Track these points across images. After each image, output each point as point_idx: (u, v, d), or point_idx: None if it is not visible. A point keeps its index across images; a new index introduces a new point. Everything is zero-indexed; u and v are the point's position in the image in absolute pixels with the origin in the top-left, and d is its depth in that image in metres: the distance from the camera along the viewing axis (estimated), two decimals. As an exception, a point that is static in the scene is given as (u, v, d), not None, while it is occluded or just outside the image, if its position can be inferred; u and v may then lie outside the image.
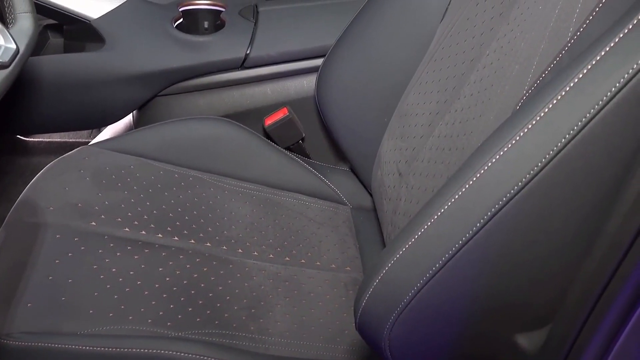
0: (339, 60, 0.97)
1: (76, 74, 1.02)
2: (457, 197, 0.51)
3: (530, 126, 0.50)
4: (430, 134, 0.77)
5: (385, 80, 0.93)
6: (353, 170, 1.03)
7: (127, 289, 0.75)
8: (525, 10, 0.66)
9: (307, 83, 1.06)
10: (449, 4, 0.85)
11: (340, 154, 1.06)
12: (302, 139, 1.05)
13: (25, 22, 0.71)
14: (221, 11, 1.12)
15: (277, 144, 1.02)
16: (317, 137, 1.07)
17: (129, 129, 1.16)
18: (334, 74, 0.98)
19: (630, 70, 0.46)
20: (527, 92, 0.59)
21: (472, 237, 0.50)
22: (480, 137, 0.64)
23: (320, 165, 1.05)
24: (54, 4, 1.00)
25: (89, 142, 1.25)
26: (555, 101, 0.49)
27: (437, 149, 0.74)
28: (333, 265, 0.88)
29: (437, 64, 0.82)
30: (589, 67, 0.48)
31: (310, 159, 1.06)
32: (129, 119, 1.16)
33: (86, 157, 0.91)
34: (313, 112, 1.06)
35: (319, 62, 1.02)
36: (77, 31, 1.04)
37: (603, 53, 0.48)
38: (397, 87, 0.90)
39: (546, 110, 0.49)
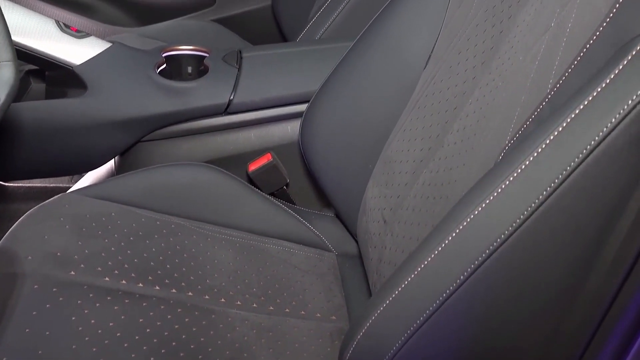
0: (323, 106, 0.99)
1: (58, 120, 1.03)
2: (440, 249, 0.52)
3: (512, 178, 0.51)
4: (415, 182, 0.78)
5: (369, 126, 0.94)
6: (338, 216, 1.04)
7: (106, 341, 0.75)
8: (506, 61, 0.68)
9: (291, 128, 1.07)
10: (431, 52, 0.87)
11: (325, 199, 1.07)
12: (287, 185, 1.06)
13: (5, 72, 0.72)
14: (204, 57, 1.13)
15: (261, 190, 1.03)
16: (301, 182, 1.08)
17: (111, 175, 1.16)
18: (318, 119, 0.99)
19: (609, 124, 0.47)
20: (509, 142, 0.61)
21: (456, 290, 0.51)
22: (465, 186, 0.65)
23: (305, 211, 1.05)
24: (36, 50, 1.02)
25: (70, 187, 1.25)
26: (536, 154, 0.50)
27: (422, 197, 0.75)
28: (318, 315, 0.88)
29: (420, 111, 0.83)
30: (569, 120, 0.49)
31: (294, 204, 1.07)
32: (110, 164, 1.16)
33: (66, 204, 0.91)
34: (297, 158, 1.07)
35: (303, 107, 1.03)
36: (59, 77, 1.05)
37: (582, 107, 0.49)
38: (381, 133, 0.91)
39: (527, 162, 0.50)
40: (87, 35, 1.08)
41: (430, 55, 0.87)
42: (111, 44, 1.09)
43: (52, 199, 0.93)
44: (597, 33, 0.53)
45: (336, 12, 1.21)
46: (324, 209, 1.08)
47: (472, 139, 0.68)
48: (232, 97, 1.05)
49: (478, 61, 0.74)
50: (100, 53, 1.06)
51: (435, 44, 0.86)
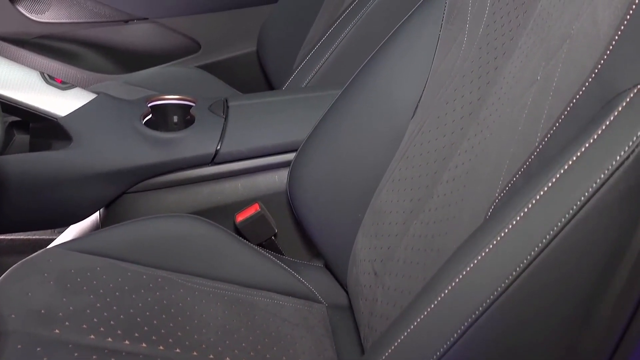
0: (311, 155, 1.00)
1: (42, 173, 1.03)
2: (432, 307, 0.52)
3: (502, 234, 0.51)
4: (405, 233, 0.78)
5: (358, 175, 0.95)
6: (327, 266, 1.04)
7: (92, 403, 0.74)
8: (494, 112, 0.69)
9: (279, 178, 1.07)
10: (419, 101, 0.88)
11: (314, 249, 1.07)
12: (275, 235, 1.06)
13: (-10, 127, 0.72)
14: (191, 106, 1.14)
15: (249, 241, 1.03)
16: (289, 233, 1.08)
17: (95, 227, 1.16)
18: (306, 169, 1.00)
19: (598, 180, 0.48)
20: (498, 195, 0.62)
21: (449, 349, 0.51)
22: (456, 239, 0.65)
23: (294, 261, 1.05)
24: (20, 102, 1.02)
25: (53, 238, 1.24)
26: (526, 209, 0.51)
27: (413, 249, 0.75)
28: (309, 369, 0.87)
29: (409, 161, 0.84)
30: (557, 176, 0.50)
31: (283, 255, 1.07)
32: (95, 216, 1.16)
33: (51, 259, 0.91)
34: (285, 208, 1.07)
35: (290, 156, 1.04)
36: (43, 129, 1.05)
37: (570, 162, 0.50)
38: (370, 183, 0.92)
39: (517, 219, 0.51)
40: (72, 86, 1.09)
41: (417, 105, 0.88)
42: (96, 95, 1.10)
43: (35, 254, 0.92)
44: (583, 88, 0.54)
45: (322, 60, 1.22)
46: (313, 259, 1.08)
47: (462, 191, 0.69)
48: (219, 147, 1.06)
49: (466, 112, 0.76)
50: (86, 104, 1.07)
51: (422, 94, 0.87)
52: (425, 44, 0.89)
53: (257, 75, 1.70)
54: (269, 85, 1.59)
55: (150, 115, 1.12)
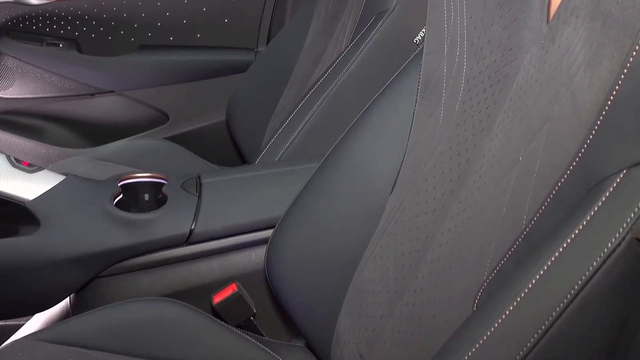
0: (289, 232, 0.99)
1: (9, 260, 1.00)
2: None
3: (496, 325, 0.51)
4: (391, 315, 0.77)
5: (338, 252, 0.94)
6: (309, 347, 1.02)
7: None
8: (475, 191, 0.70)
9: (256, 256, 1.06)
10: (397, 177, 0.88)
11: (294, 329, 1.05)
12: (254, 316, 1.04)
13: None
14: (163, 184, 1.13)
15: (226, 323, 1.01)
16: (269, 312, 1.06)
17: (66, 314, 1.12)
18: (284, 246, 0.99)
19: (590, 268, 0.48)
20: (487, 278, 0.61)
21: None
22: (445, 323, 0.65)
23: (274, 342, 1.03)
24: (-14, 187, 1.00)
25: (22, 324, 1.20)
26: (519, 298, 0.50)
27: (400, 332, 0.74)
28: None
29: (390, 238, 0.84)
30: (549, 263, 0.50)
31: (263, 336, 1.04)
32: (65, 302, 1.13)
33: (19, 352, 0.87)
34: (263, 287, 1.05)
35: (267, 234, 1.03)
36: (10, 214, 1.03)
37: (561, 249, 0.50)
38: (351, 260, 0.91)
39: (510, 308, 0.50)
40: (40, 168, 1.07)
41: (396, 180, 0.88)
42: (64, 177, 1.08)
43: (2, 346, 0.89)
44: (568, 172, 0.54)
45: (295, 132, 1.23)
46: (294, 339, 1.06)
47: (447, 272, 0.69)
48: (193, 227, 1.04)
49: (446, 189, 0.76)
50: (53, 187, 1.05)
51: (400, 169, 0.87)
52: (400, 118, 0.89)
53: (227, 146, 1.70)
54: (240, 155, 1.59)
55: (120, 196, 1.10)
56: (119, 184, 1.12)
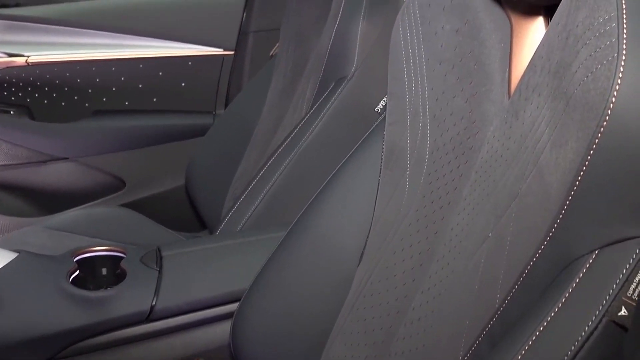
0: (255, 306, 0.97)
1: (-42, 346, 0.96)
2: None
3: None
4: (363, 394, 0.76)
5: (306, 326, 0.92)
6: None
7: None
8: (445, 266, 0.69)
9: (221, 331, 1.04)
10: (364, 248, 0.88)
11: (262, 406, 1.02)
12: (219, 393, 1.02)
13: None
14: (121, 258, 1.11)
15: (191, 403, 0.98)
16: (235, 390, 1.04)
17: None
18: (250, 320, 0.97)
19: (569, 353, 0.48)
20: (462, 359, 0.61)
21: None
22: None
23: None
24: None
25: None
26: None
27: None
28: None
29: (359, 313, 0.83)
30: (526, 347, 0.50)
31: (229, 414, 1.02)
32: (18, 387, 1.08)
33: None
34: (229, 363, 1.03)
35: (232, 308, 1.01)
36: (-41, 296, 0.99)
37: (538, 333, 0.50)
38: (320, 334, 0.89)
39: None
40: (-9, 244, 1.04)
41: (363, 252, 0.88)
42: (17, 254, 1.05)
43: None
44: (539, 252, 0.55)
45: (257, 200, 1.22)
46: (262, 417, 1.03)
47: (420, 351, 0.68)
48: (154, 303, 1.02)
49: (416, 263, 0.76)
50: (5, 266, 1.02)
51: (367, 241, 0.87)
52: (365, 189, 0.89)
53: (186, 212, 1.69)
54: (200, 221, 1.57)
55: (77, 272, 1.07)
56: (74, 259, 1.09)
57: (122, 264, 1.09)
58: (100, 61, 1.71)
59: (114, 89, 1.72)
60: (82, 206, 1.69)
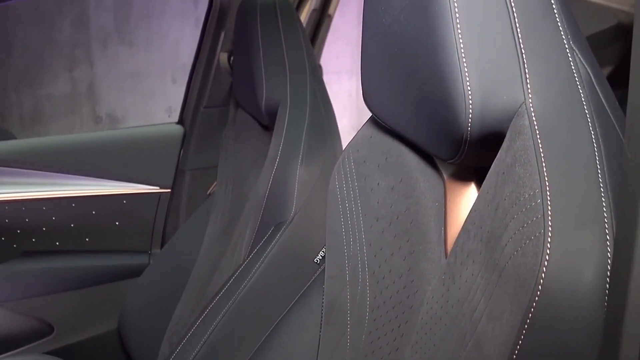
0: None
1: None
2: None
3: None
4: None
5: None
6: None
7: None
8: None
9: None
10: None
11: None
12: None
13: None
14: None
15: None
16: None
17: None
18: None
19: None
20: None
21: None
22: None
23: None
24: None
25: None
26: None
27: None
28: None
29: None
30: None
31: None
32: None
33: None
34: None
35: None
36: None
37: None
38: None
39: None
40: None
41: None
42: None
43: None
44: None
45: (196, 349, 1.20)
46: None
47: None
48: None
49: None
50: None
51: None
52: (307, 345, 0.90)
53: (119, 358, 1.64)
54: (131, 364, 1.53)
55: None
56: None
57: None
58: (30, 200, 1.70)
59: (44, 229, 1.70)
60: (2, 356, 1.63)
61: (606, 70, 1.68)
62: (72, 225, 1.71)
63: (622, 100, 0.55)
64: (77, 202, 1.71)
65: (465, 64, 0.60)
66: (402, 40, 0.69)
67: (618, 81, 0.69)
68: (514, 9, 0.61)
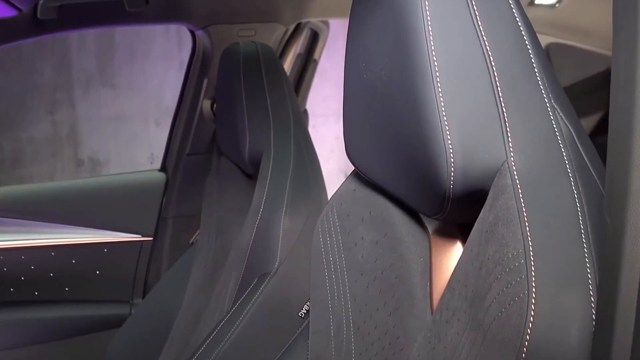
0: None
1: None
2: None
3: None
4: None
5: None
6: None
7: None
8: None
9: None
10: None
11: None
12: None
13: None
14: None
15: None
16: None
17: None
18: None
19: None
20: None
21: None
22: None
23: None
24: None
25: None
26: None
27: None
28: None
29: None
30: None
31: None
32: None
33: None
34: None
35: None
36: None
37: None
38: None
39: None
40: None
41: None
42: None
43: None
44: None
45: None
46: None
47: None
48: None
49: None
50: None
51: None
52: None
53: None
54: None
55: None
56: None
57: None
58: (8, 249, 1.68)
59: (22, 278, 1.69)
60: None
61: (597, 114, 1.71)
62: (51, 274, 1.70)
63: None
64: (56, 250, 1.70)
65: (446, 123, 0.61)
66: (383, 97, 0.70)
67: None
68: (494, 68, 0.62)
